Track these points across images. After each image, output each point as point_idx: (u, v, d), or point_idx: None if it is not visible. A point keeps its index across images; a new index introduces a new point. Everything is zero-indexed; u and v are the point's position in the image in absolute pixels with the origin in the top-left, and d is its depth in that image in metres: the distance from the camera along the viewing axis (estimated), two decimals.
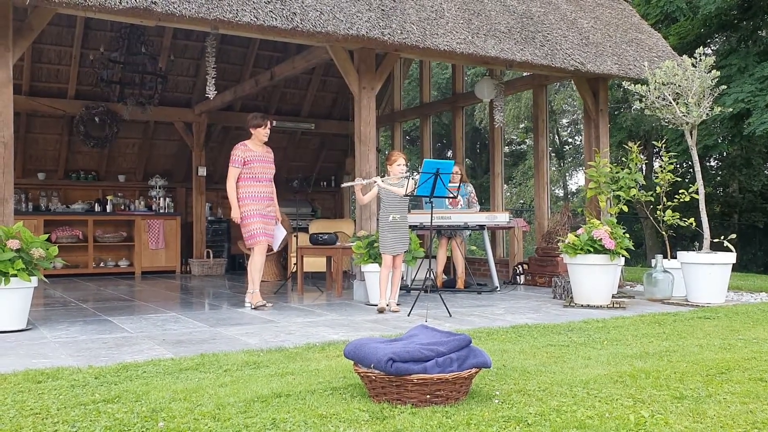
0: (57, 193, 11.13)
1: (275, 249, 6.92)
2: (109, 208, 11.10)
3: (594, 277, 6.34)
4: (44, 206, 10.87)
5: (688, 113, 6.81)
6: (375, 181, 6.22)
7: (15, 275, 4.83)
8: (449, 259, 8.57)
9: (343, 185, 7.04)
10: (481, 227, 7.86)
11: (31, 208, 10.71)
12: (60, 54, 10.31)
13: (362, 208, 7.01)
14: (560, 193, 26.21)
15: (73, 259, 10.44)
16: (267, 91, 11.78)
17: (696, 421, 2.63)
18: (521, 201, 24.72)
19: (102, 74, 9.99)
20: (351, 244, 6.94)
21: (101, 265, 10.96)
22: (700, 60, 6.80)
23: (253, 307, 6.32)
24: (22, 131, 10.57)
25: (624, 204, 7.69)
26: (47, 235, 5.36)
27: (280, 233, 6.64)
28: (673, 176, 7.44)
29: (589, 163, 8.16)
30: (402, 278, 7.13)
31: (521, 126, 23.53)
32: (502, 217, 7.88)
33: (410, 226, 7.22)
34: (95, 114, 10.72)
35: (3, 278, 4.81)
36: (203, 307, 6.62)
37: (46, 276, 5.37)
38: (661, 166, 7.60)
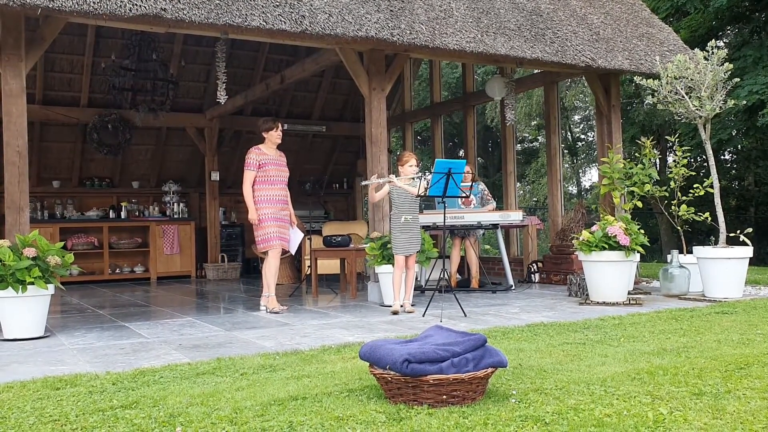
0: (72, 200, 11.22)
1: (292, 252, 6.94)
2: (123, 214, 11.17)
3: (609, 273, 6.30)
4: (59, 214, 10.96)
5: (701, 107, 6.76)
6: (391, 179, 6.22)
7: (32, 283, 4.88)
8: (463, 258, 8.55)
9: (363, 183, 7.03)
10: (495, 226, 7.84)
11: (47, 216, 10.80)
12: (72, 63, 10.40)
13: (375, 209, 7.01)
14: (574, 190, 26.09)
15: (88, 266, 10.51)
16: (278, 95, 11.81)
17: (715, 417, 2.60)
18: (534, 199, 24.64)
19: (114, 82, 10.06)
20: (364, 245, 6.94)
21: (117, 271, 11.03)
22: (713, 53, 6.75)
23: (269, 311, 6.34)
24: (36, 140, 10.66)
25: (638, 200, 7.64)
26: (63, 243, 5.39)
27: (297, 236, 6.65)
28: (687, 170, 7.39)
29: (602, 159, 8.11)
30: (416, 279, 7.12)
31: (533, 123, 23.45)
32: (515, 216, 7.85)
33: (423, 227, 7.22)
34: (108, 121, 10.81)
35: (20, 286, 4.85)
36: (219, 312, 6.65)
37: (62, 283, 5.40)
38: (674, 161, 7.55)
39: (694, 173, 7.95)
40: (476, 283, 8.06)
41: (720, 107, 6.81)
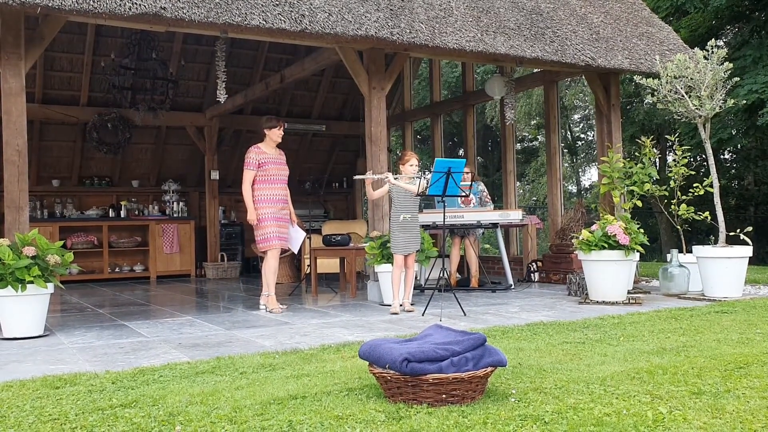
0: (71, 199, 11.21)
1: (294, 250, 6.94)
2: (123, 213, 11.17)
3: (609, 273, 6.30)
4: (59, 213, 10.95)
5: (701, 106, 6.76)
6: (387, 176, 6.22)
7: (31, 282, 4.87)
8: (463, 258, 8.55)
9: (355, 177, 7.02)
10: (494, 225, 7.84)
11: (47, 215, 10.80)
12: (72, 61, 10.39)
13: (375, 208, 7.01)
14: (573, 189, 26.08)
15: (88, 264, 10.51)
16: (277, 94, 11.80)
17: (715, 416, 2.60)
18: (534, 198, 24.63)
19: (113, 81, 10.06)
20: (364, 244, 6.94)
21: (116, 270, 11.03)
22: (712, 52, 6.75)
23: (268, 310, 6.34)
24: (36, 139, 10.66)
25: (638, 199, 7.64)
26: (62, 242, 5.40)
27: (299, 235, 6.65)
28: (686, 170, 7.39)
29: (601, 158, 8.11)
30: (416, 278, 7.12)
31: (533, 122, 23.44)
32: (515, 215, 7.85)
33: (423, 226, 7.21)
34: (107, 120, 10.80)
35: (20, 285, 4.85)
36: (218, 311, 6.65)
37: (62, 282, 5.40)
38: (674, 160, 7.55)
39: (693, 173, 7.94)
40: (476, 283, 8.06)
41: (720, 106, 6.81)
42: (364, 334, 4.80)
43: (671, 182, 7.36)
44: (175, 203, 11.59)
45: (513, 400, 2.86)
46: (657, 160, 17.78)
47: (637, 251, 6.45)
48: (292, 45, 8.88)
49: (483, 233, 9.00)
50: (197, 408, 2.83)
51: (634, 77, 7.47)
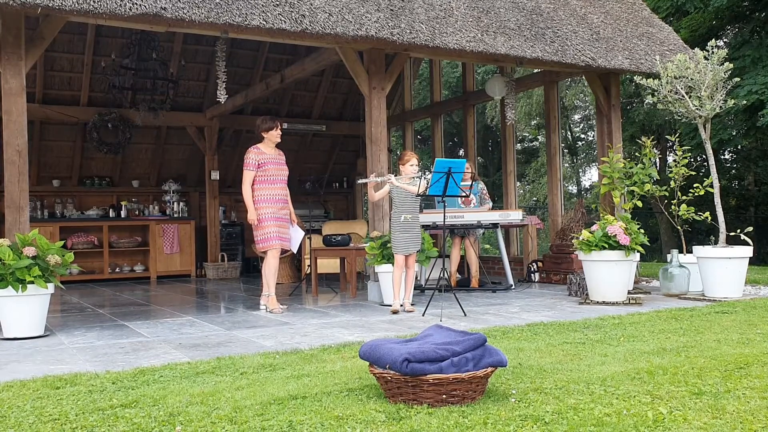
0: (72, 199, 11.22)
1: (293, 250, 6.95)
2: (123, 213, 11.17)
3: (609, 273, 6.30)
4: (59, 213, 10.95)
5: (701, 107, 6.76)
6: (389, 178, 6.23)
7: (32, 282, 4.88)
8: (463, 258, 8.55)
9: (358, 181, 7.02)
10: (495, 226, 7.84)
11: (47, 215, 10.80)
12: (72, 62, 10.39)
13: (375, 208, 7.01)
14: (574, 189, 26.08)
15: (88, 265, 10.51)
16: (278, 94, 11.81)
17: (715, 417, 2.60)
18: (534, 198, 24.63)
19: (114, 81, 10.06)
20: (364, 245, 6.94)
21: (117, 270, 11.03)
22: (713, 52, 6.75)
23: (268, 310, 6.34)
24: (36, 139, 10.66)
25: (638, 199, 7.65)
26: (63, 242, 5.39)
27: (298, 234, 6.65)
28: (687, 170, 7.39)
29: (602, 158, 8.11)
30: (416, 278, 7.12)
31: (533, 123, 23.44)
32: (515, 215, 7.85)
33: (423, 226, 7.22)
34: (108, 120, 10.80)
35: (20, 285, 4.85)
36: (219, 311, 6.65)
37: (62, 282, 5.41)
38: (675, 160, 7.54)
39: (694, 173, 7.95)
40: (476, 283, 8.06)
41: (720, 107, 6.81)
42: (364, 335, 4.80)
43: (671, 182, 7.35)
44: (175, 203, 11.59)
45: (513, 400, 2.86)
46: (657, 160, 17.79)
47: (638, 251, 6.45)
48: (292, 45, 8.87)
49: (483, 233, 9.01)
50: (197, 408, 2.83)
51: (635, 77, 7.47)
